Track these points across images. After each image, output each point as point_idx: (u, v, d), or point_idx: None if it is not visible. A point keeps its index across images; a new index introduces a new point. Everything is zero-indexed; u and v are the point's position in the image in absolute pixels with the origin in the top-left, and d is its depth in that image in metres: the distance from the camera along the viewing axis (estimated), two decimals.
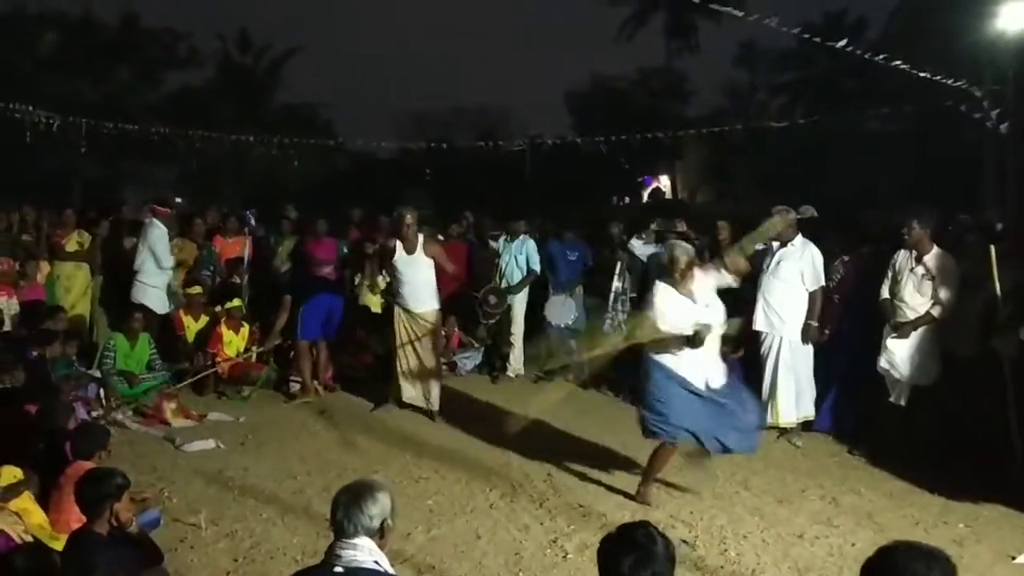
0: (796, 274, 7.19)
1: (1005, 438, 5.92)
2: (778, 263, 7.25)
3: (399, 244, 7.66)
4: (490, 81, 65.17)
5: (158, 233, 8.88)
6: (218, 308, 9.08)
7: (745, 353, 7.78)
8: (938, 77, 10.59)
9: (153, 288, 8.84)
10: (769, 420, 7.36)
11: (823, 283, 7.21)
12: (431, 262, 7.73)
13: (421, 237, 7.72)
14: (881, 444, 6.77)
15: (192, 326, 8.97)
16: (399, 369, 7.79)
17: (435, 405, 7.78)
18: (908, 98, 15.57)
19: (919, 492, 5.95)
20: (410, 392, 7.83)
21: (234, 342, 8.81)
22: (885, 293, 6.83)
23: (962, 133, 19.07)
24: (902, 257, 6.76)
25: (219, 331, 8.75)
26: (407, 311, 7.71)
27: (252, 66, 30.34)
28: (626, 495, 5.80)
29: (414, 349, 7.72)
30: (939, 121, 17.99)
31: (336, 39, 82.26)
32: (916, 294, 6.62)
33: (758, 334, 7.40)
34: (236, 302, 8.96)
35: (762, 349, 7.41)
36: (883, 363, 6.74)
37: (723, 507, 5.61)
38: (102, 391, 7.81)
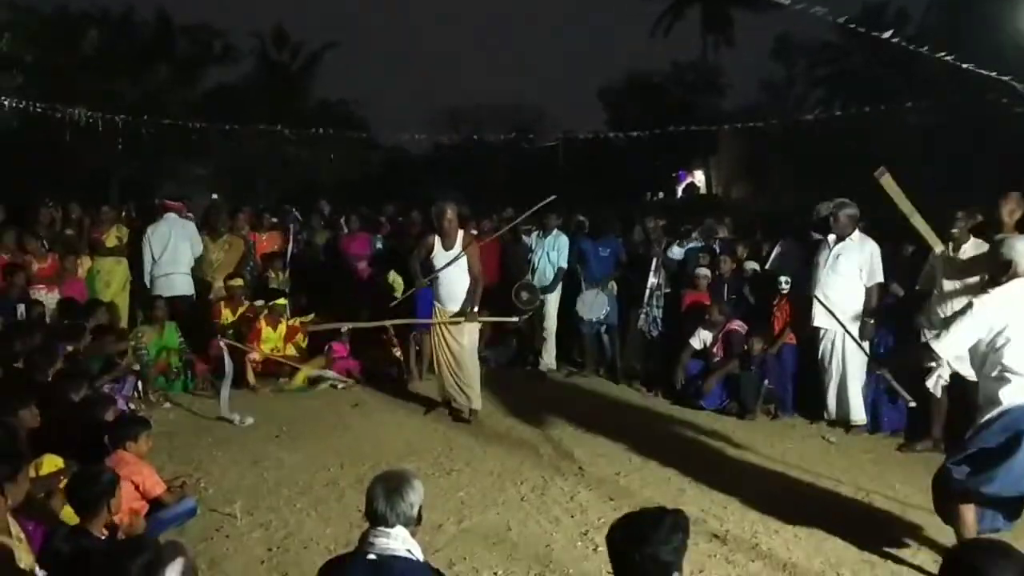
0: (855, 269, 7.14)
1: None
2: (836, 257, 7.20)
3: (437, 239, 7.49)
4: (525, 78, 65.23)
5: (164, 228, 9.24)
6: (258, 303, 9.20)
7: (801, 349, 7.78)
8: (982, 71, 10.40)
9: (167, 277, 9.12)
10: (833, 416, 7.35)
11: (881, 279, 7.15)
12: (465, 260, 7.51)
13: (461, 233, 7.53)
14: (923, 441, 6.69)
15: (229, 316, 9.10)
16: (438, 369, 7.65)
17: (475, 404, 7.56)
18: (949, 91, 15.34)
19: None
20: (449, 392, 7.65)
21: (271, 339, 8.92)
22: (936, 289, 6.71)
23: (1005, 127, 18.74)
24: (938, 252, 6.65)
25: (258, 327, 8.87)
26: (444, 309, 7.52)
27: (288, 63, 30.58)
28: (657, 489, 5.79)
29: (450, 349, 7.50)
30: (978, 113, 17.70)
31: (371, 36, 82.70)
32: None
33: (817, 330, 7.40)
34: (282, 301, 9.06)
35: (821, 345, 7.40)
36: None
37: (755, 503, 5.58)
38: (140, 384, 7.95)
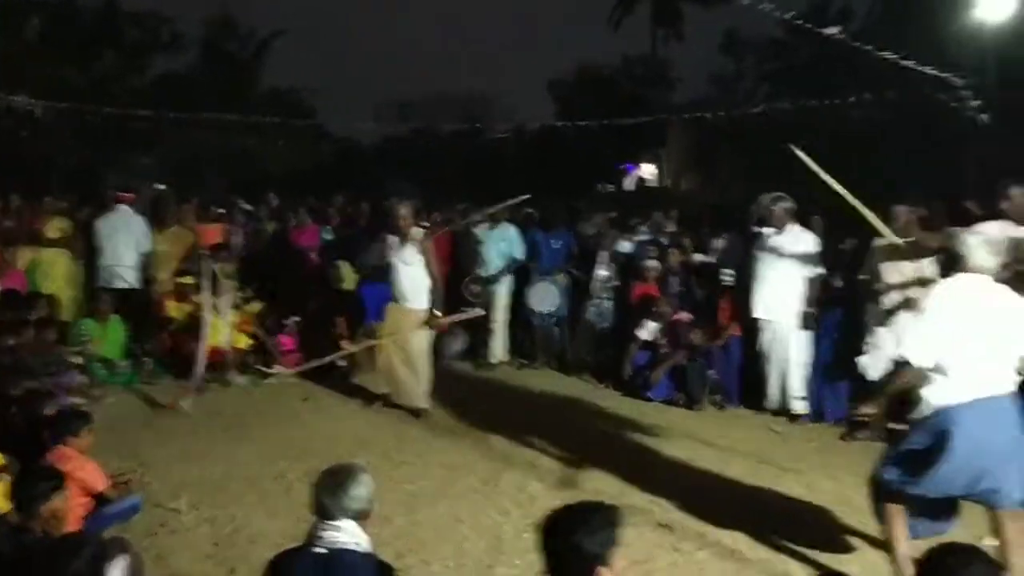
0: (792, 261, 7.27)
1: None
2: (774, 250, 7.33)
3: (394, 238, 7.43)
4: (475, 68, 65.08)
5: (113, 220, 9.16)
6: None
7: (743, 340, 7.91)
8: (923, 68, 10.66)
9: (113, 269, 9.02)
10: (776, 406, 7.48)
11: (820, 270, 7.29)
12: (422, 258, 7.43)
13: (416, 231, 7.45)
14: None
15: (176, 312, 8.96)
16: (387, 368, 7.53)
17: (423, 403, 7.45)
18: (893, 87, 15.66)
19: None
20: (397, 390, 7.54)
21: (220, 329, 8.79)
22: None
23: (945, 122, 19.18)
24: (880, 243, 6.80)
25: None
26: (398, 307, 7.45)
27: (237, 51, 30.10)
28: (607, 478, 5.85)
29: (403, 348, 7.40)
30: (921, 110, 18.08)
31: (321, 25, 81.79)
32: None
33: (756, 321, 7.54)
34: (188, 279, 8.93)
35: (761, 336, 7.53)
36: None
37: (702, 493, 5.66)
38: (82, 377, 7.79)
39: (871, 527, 4.98)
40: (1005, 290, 4.02)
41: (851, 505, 5.45)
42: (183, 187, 15.88)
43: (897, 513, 4.13)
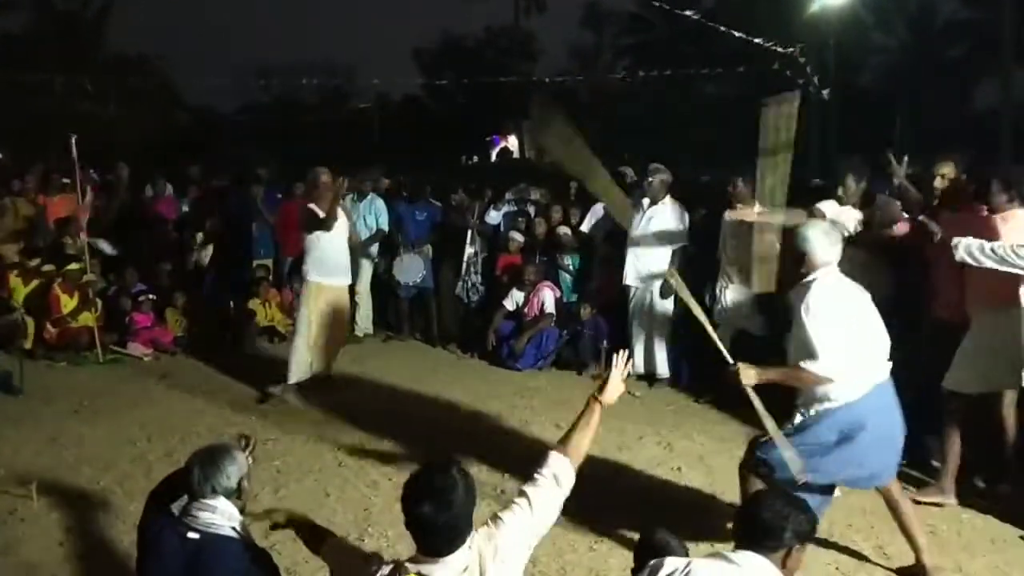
0: (666, 232, 7.52)
1: None
2: (649, 220, 7.56)
3: (315, 208, 6.84)
4: (337, 34, 63.49)
5: None
6: (46, 267, 8.60)
7: (614, 307, 8.12)
8: (769, 44, 11.14)
9: None
10: (640, 369, 7.73)
11: (686, 242, 7.56)
12: (346, 229, 7.04)
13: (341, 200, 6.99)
14: (721, 393, 6.93)
15: (20, 288, 8.47)
16: (308, 346, 6.94)
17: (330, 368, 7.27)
18: (742, 63, 16.33)
19: (749, 436, 6.35)
20: (318, 365, 7.07)
21: (70, 306, 8.39)
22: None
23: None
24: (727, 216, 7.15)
25: (55, 294, 8.32)
26: (323, 286, 6.91)
27: (78, 12, 28.32)
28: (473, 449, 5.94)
29: (327, 325, 6.96)
30: (768, 86, 18.90)
31: None
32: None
33: (627, 288, 7.77)
34: (75, 266, 8.47)
35: (631, 303, 7.78)
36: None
37: None
38: None
39: (726, 480, 5.28)
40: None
41: (706, 462, 5.76)
42: (23, 157, 14.89)
43: (755, 483, 4.16)
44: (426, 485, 2.54)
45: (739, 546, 2.74)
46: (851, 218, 6.33)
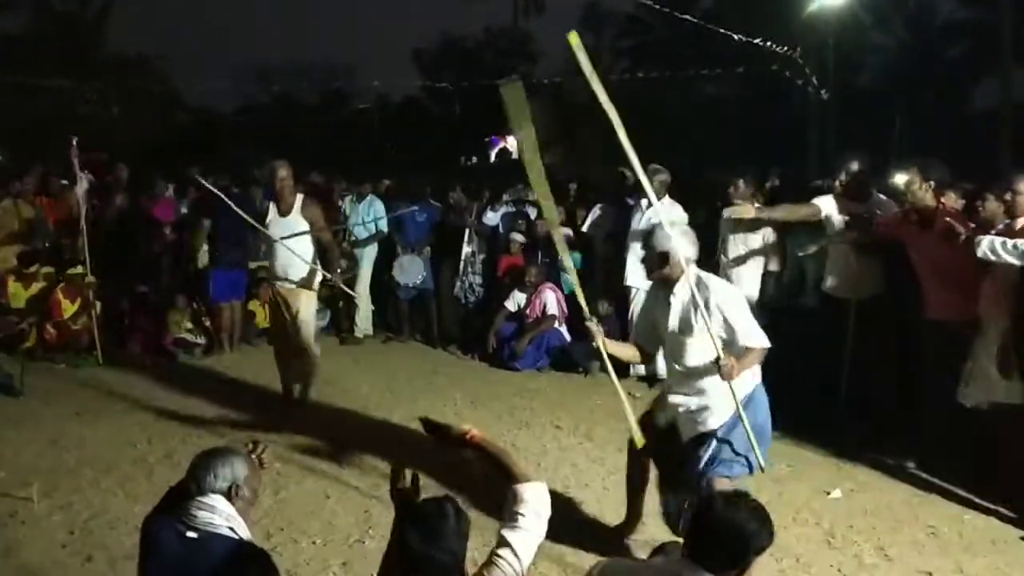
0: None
1: (833, 384, 6.27)
2: (649, 221, 7.56)
3: (272, 205, 6.76)
4: (337, 35, 63.48)
5: None
6: (46, 270, 8.60)
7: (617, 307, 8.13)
8: (767, 44, 11.14)
9: None
10: (641, 371, 7.72)
11: None
12: (308, 226, 6.70)
13: (299, 197, 6.75)
14: None
15: (21, 293, 8.48)
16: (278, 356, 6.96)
17: (308, 392, 6.99)
18: (741, 64, 16.33)
19: None
20: (287, 377, 7.02)
21: (70, 310, 8.41)
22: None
23: (790, 98, 20.19)
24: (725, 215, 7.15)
25: (56, 298, 8.33)
26: (280, 285, 6.73)
27: (78, 12, 28.29)
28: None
29: (288, 331, 6.76)
30: (768, 86, 18.96)
31: None
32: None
33: (629, 289, 7.74)
34: (79, 269, 8.47)
35: (632, 303, 7.75)
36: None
37: (567, 457, 5.84)
38: None
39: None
40: None
41: None
42: (23, 158, 14.88)
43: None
44: (418, 516, 2.53)
45: (693, 558, 2.55)
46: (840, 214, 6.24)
